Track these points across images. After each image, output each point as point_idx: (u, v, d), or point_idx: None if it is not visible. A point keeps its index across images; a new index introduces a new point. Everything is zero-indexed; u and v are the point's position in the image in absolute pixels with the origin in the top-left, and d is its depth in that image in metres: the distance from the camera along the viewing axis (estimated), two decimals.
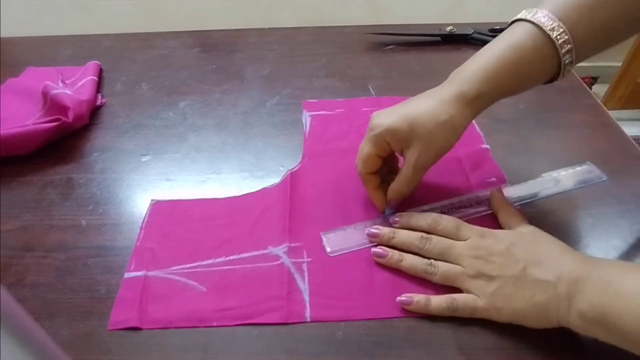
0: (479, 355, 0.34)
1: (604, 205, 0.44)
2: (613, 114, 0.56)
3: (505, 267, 0.35)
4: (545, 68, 0.38)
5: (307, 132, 0.54)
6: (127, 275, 0.40)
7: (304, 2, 1.31)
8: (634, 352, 0.29)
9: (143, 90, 0.63)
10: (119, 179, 0.49)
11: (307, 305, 0.37)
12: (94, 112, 0.59)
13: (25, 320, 0.17)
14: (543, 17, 0.36)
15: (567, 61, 0.37)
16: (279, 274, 0.39)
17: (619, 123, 0.54)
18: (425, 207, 0.43)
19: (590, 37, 0.37)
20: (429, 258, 0.38)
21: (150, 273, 0.40)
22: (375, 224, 0.42)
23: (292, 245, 0.41)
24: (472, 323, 0.35)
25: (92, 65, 0.65)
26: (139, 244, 0.42)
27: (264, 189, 0.47)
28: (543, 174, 0.47)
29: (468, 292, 0.36)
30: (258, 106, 0.59)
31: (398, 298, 0.36)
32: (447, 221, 0.39)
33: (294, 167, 0.49)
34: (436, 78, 0.41)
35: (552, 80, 0.40)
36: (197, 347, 0.35)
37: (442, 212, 0.41)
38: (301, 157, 0.51)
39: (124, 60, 0.69)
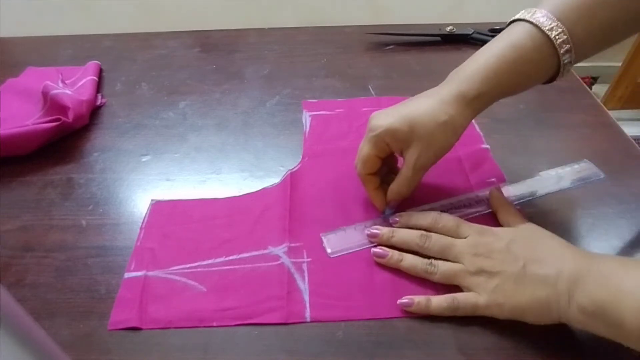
0: (479, 355, 0.34)
1: (604, 205, 0.44)
2: (613, 114, 0.56)
3: (505, 264, 0.35)
4: (544, 68, 0.38)
5: (307, 132, 0.54)
6: (127, 275, 0.40)
7: (304, 2, 1.31)
8: (633, 347, 0.29)
9: (143, 90, 0.63)
10: (119, 179, 0.49)
11: (307, 305, 0.37)
12: (94, 112, 0.59)
13: (25, 320, 0.17)
14: (542, 17, 0.36)
15: (566, 61, 0.37)
16: (279, 274, 0.39)
17: (619, 123, 0.54)
18: (425, 207, 0.43)
19: (590, 37, 0.37)
20: (428, 257, 0.38)
21: (150, 273, 0.40)
22: (375, 224, 0.42)
23: (292, 245, 0.41)
24: (472, 323, 0.35)
25: (92, 65, 0.65)
26: (139, 244, 0.42)
27: (264, 189, 0.47)
28: (540, 173, 0.47)
29: (469, 289, 0.36)
30: (258, 106, 0.59)
31: (399, 301, 0.36)
32: (446, 219, 0.39)
33: (294, 167, 0.49)
34: (436, 78, 0.41)
35: (551, 80, 0.40)
36: (197, 347, 0.35)
37: (442, 212, 0.41)
38: (301, 157, 0.51)
39: (124, 60, 0.69)
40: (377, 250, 0.40)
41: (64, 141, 0.54)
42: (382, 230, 0.41)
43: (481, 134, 0.52)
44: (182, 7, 1.29)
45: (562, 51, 0.36)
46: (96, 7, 1.29)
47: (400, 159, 0.42)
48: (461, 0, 1.30)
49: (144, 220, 0.44)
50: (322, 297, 0.38)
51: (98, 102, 0.60)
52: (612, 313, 0.29)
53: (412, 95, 0.42)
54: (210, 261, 0.40)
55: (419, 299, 0.36)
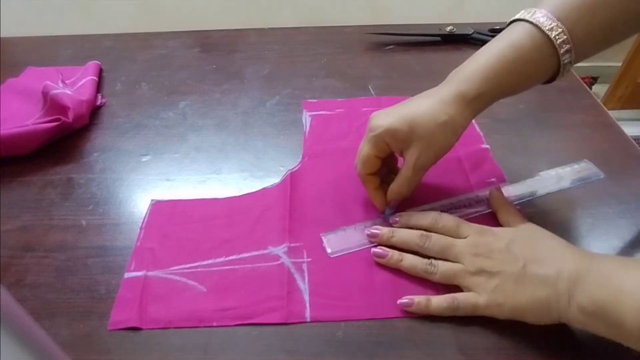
0: (479, 355, 0.34)
1: (604, 205, 0.44)
2: (613, 114, 0.56)
3: (505, 264, 0.35)
4: (544, 68, 0.38)
5: (307, 132, 0.54)
6: (127, 275, 0.40)
7: (304, 2, 1.31)
8: (633, 347, 0.29)
9: (143, 90, 0.63)
10: (119, 179, 0.49)
11: (307, 305, 0.37)
12: (94, 112, 0.59)
13: (25, 320, 0.17)
14: (542, 17, 0.36)
15: (566, 61, 0.37)
16: (279, 274, 0.39)
17: (619, 123, 0.54)
18: (425, 207, 0.43)
19: (590, 37, 0.37)
20: (428, 257, 0.38)
21: (150, 273, 0.40)
22: (375, 224, 0.42)
23: (292, 245, 0.41)
24: (472, 323, 0.35)
25: (92, 65, 0.65)
26: (139, 244, 0.42)
27: (264, 189, 0.47)
28: (540, 173, 0.47)
29: (469, 289, 0.36)
30: (258, 106, 0.59)
31: (399, 301, 0.36)
32: (446, 219, 0.39)
33: (294, 167, 0.49)
34: (436, 78, 0.41)
35: (551, 80, 0.40)
36: (197, 347, 0.35)
37: (442, 212, 0.41)
38: (301, 157, 0.51)
39: (124, 60, 0.69)
40: (377, 250, 0.40)
41: (64, 141, 0.54)
42: (382, 230, 0.41)
43: (481, 134, 0.52)
44: (182, 7, 1.29)
45: (562, 51, 0.36)
46: (96, 7, 1.29)
47: (400, 159, 0.42)
48: (461, 0, 1.30)
49: (144, 220, 0.44)
50: (322, 297, 0.38)
51: (98, 102, 0.60)
52: (612, 313, 0.29)
53: (412, 95, 0.42)
54: (210, 261, 0.40)
55: (419, 299, 0.36)
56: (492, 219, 0.42)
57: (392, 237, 0.40)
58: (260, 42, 0.73)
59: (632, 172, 0.48)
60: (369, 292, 0.38)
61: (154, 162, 0.51)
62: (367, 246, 0.41)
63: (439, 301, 0.36)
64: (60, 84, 0.59)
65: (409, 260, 0.38)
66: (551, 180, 0.46)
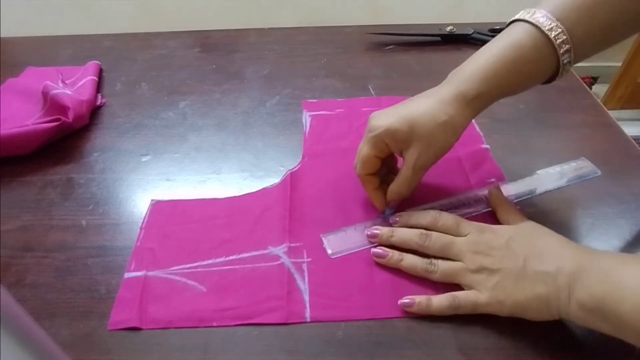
0: (479, 355, 0.34)
1: (604, 205, 0.44)
2: (613, 114, 0.56)
3: (505, 261, 0.35)
4: (544, 68, 0.38)
5: (307, 132, 0.54)
6: (127, 275, 0.40)
7: (304, 2, 1.31)
8: (632, 342, 0.29)
9: (143, 90, 0.63)
10: (119, 179, 0.50)
11: (307, 305, 0.37)
12: (94, 112, 0.59)
13: (25, 320, 0.17)
14: (541, 17, 0.36)
15: (565, 61, 0.37)
16: (279, 274, 0.39)
17: (619, 123, 0.54)
18: (425, 207, 0.43)
19: (589, 37, 0.37)
20: (428, 256, 0.38)
21: (150, 273, 0.40)
22: (375, 224, 0.42)
23: (292, 245, 0.41)
24: (472, 323, 0.35)
25: (92, 65, 0.65)
26: (139, 244, 0.42)
27: (264, 189, 0.47)
28: (538, 171, 0.47)
29: (469, 287, 0.36)
30: (258, 106, 0.59)
31: (400, 301, 0.36)
32: (446, 218, 0.39)
33: (294, 167, 0.49)
34: (436, 78, 0.41)
35: (551, 80, 0.40)
36: (197, 347, 0.35)
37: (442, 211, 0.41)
38: (301, 157, 0.51)
39: (124, 60, 0.69)
40: (377, 250, 0.40)
41: (64, 141, 0.54)
42: (382, 231, 0.41)
43: (481, 134, 0.52)
44: (182, 7, 1.29)
45: (561, 51, 0.36)
46: (96, 7, 1.29)
47: (400, 159, 0.42)
48: (461, 0, 1.30)
49: (144, 220, 0.44)
50: (322, 297, 0.38)
51: (98, 102, 0.60)
52: (611, 309, 0.29)
53: (412, 95, 0.42)
54: (210, 261, 0.40)
55: (420, 299, 0.36)
56: (492, 218, 0.42)
57: (391, 236, 0.40)
58: (260, 42, 0.73)
59: (632, 172, 0.48)
60: (369, 292, 0.38)
61: (154, 162, 0.51)
62: (367, 246, 0.41)
63: (439, 300, 0.36)
64: (60, 84, 0.59)
65: (409, 260, 0.38)
66: (549, 177, 0.47)
